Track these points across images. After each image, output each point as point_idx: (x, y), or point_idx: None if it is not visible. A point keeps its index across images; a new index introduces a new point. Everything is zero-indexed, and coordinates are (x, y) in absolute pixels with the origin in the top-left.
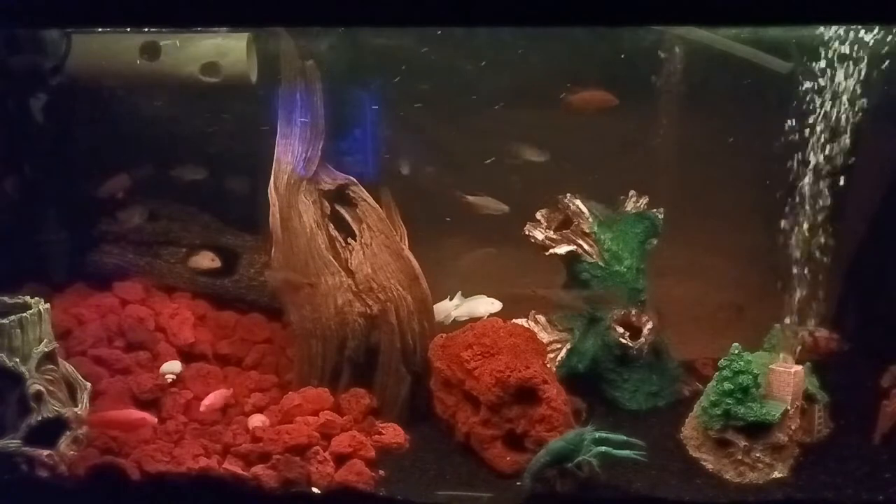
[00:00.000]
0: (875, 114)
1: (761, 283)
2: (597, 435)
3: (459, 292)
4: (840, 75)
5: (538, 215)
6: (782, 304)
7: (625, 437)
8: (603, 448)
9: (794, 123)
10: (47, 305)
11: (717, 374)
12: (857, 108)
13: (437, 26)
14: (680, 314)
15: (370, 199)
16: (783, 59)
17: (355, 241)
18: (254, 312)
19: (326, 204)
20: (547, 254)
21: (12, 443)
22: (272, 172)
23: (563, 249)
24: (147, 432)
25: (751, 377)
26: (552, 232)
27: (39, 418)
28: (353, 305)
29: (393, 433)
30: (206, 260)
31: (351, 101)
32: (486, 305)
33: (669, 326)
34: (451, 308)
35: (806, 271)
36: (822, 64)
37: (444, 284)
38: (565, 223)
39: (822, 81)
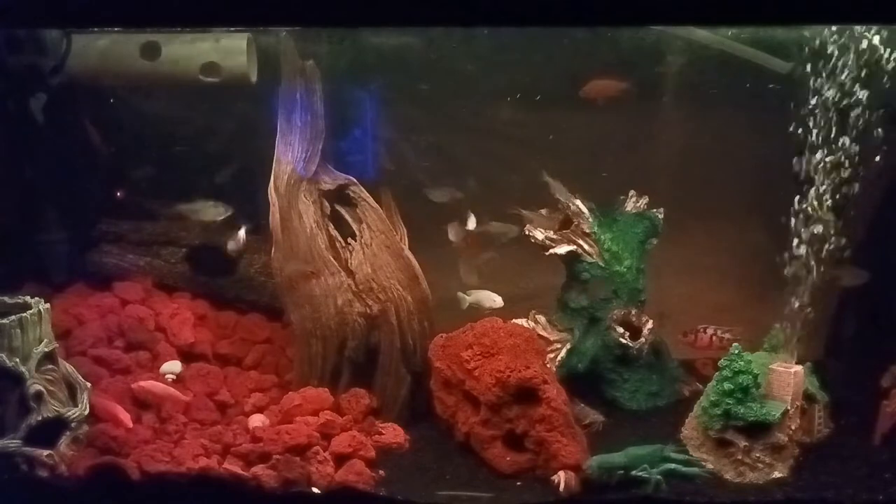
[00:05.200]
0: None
1: (762, 282)
2: (672, 453)
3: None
4: (838, 75)
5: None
6: (781, 304)
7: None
8: (672, 465)
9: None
10: (47, 305)
11: (717, 374)
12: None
13: (437, 26)
14: (681, 313)
15: (370, 199)
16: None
17: (355, 241)
18: (254, 312)
19: (326, 204)
20: (547, 254)
21: (12, 443)
22: (272, 172)
23: (563, 249)
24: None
25: (751, 377)
26: (552, 232)
27: (39, 418)
28: (353, 305)
29: (393, 433)
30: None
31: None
32: (489, 300)
33: (669, 326)
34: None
35: (806, 271)
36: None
37: (445, 284)
38: (565, 223)
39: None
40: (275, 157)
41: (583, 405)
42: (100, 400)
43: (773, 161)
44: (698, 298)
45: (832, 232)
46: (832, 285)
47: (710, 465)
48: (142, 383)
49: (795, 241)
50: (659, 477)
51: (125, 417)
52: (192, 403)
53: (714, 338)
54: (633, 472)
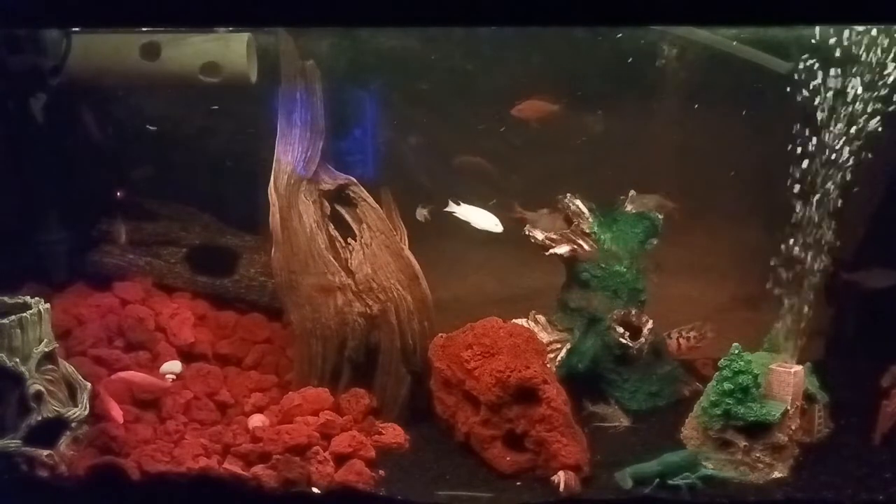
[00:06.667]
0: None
1: (762, 282)
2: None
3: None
4: (839, 75)
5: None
6: (781, 304)
7: None
8: (710, 471)
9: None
10: (47, 305)
11: (717, 374)
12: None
13: (437, 26)
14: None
15: (370, 199)
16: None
17: (355, 241)
18: (254, 312)
19: (326, 204)
20: (547, 254)
21: (12, 443)
22: (272, 172)
23: (563, 249)
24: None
25: (751, 377)
26: (552, 232)
27: (39, 418)
28: (353, 305)
29: (393, 433)
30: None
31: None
32: (484, 219)
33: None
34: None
35: (806, 270)
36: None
37: (445, 284)
38: (565, 223)
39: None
40: (275, 157)
41: (616, 407)
42: (102, 395)
43: (772, 161)
44: (697, 298)
45: (831, 234)
46: (832, 286)
47: (710, 466)
48: (121, 374)
49: (794, 241)
50: (695, 482)
51: (117, 414)
52: (192, 403)
53: (681, 340)
54: (669, 481)
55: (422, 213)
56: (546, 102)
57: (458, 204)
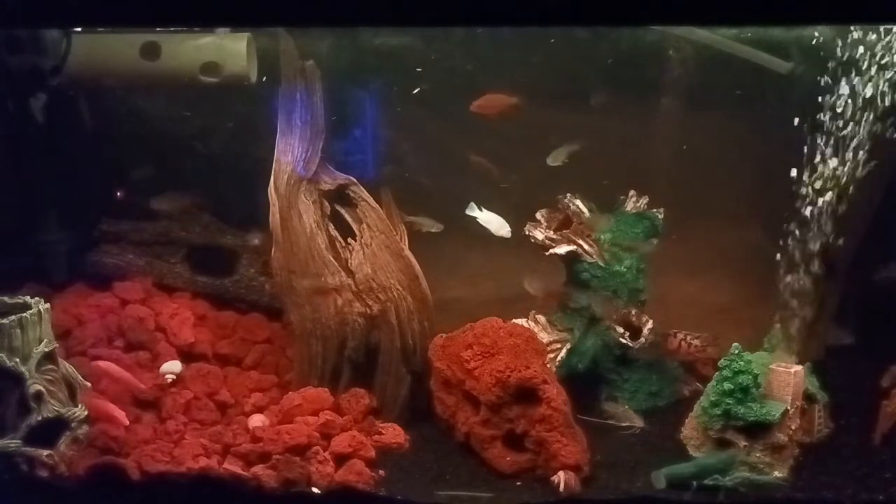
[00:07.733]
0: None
1: (762, 282)
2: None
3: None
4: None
5: (538, 215)
6: (780, 305)
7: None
8: (748, 474)
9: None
10: (47, 305)
11: (717, 374)
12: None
13: (438, 26)
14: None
15: (370, 199)
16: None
17: (355, 241)
18: (254, 312)
19: (326, 204)
20: (547, 254)
21: (12, 443)
22: (272, 172)
23: (563, 249)
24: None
25: (751, 377)
26: (552, 232)
27: (39, 418)
28: (353, 305)
29: (393, 433)
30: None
31: None
32: (499, 225)
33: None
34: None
35: (806, 270)
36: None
37: (445, 284)
38: (565, 223)
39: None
40: (275, 157)
41: (626, 407)
42: (94, 401)
43: (773, 161)
44: (697, 299)
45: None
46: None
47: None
48: (100, 363)
49: (793, 242)
50: (729, 484)
51: (120, 415)
52: (192, 403)
53: (683, 343)
54: (704, 482)
55: (420, 222)
56: (505, 96)
57: (481, 210)
